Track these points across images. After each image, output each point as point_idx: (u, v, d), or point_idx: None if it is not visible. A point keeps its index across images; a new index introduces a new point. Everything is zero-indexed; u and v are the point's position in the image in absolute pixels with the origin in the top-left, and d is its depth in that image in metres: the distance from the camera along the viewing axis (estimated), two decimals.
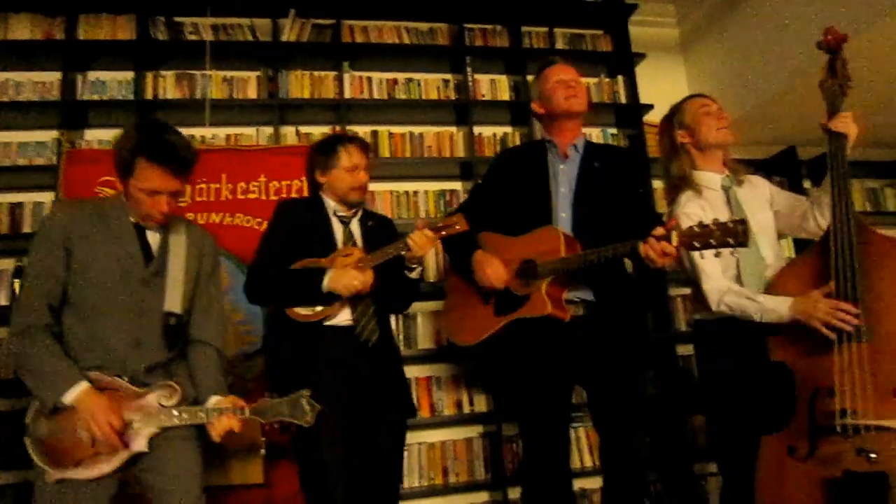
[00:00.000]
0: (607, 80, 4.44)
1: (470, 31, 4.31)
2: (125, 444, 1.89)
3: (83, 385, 1.86)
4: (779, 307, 2.10)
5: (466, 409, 3.72)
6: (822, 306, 2.00)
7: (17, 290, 3.30)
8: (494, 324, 2.41)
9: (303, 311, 2.36)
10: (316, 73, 4.06)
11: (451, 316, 2.70)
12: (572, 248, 2.27)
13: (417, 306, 3.55)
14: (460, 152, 4.12)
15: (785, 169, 4.42)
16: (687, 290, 3.86)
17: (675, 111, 2.51)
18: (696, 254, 2.10)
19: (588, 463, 3.66)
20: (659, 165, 2.74)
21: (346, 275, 2.30)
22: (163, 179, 1.93)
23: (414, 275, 2.45)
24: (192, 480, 1.99)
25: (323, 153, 2.51)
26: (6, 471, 3.09)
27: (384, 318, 2.50)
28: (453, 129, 4.19)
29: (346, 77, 4.05)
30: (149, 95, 3.83)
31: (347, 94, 4.01)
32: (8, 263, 3.49)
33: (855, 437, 1.90)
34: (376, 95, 4.11)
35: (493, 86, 4.28)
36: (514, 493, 3.43)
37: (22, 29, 3.75)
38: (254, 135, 3.92)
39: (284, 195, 3.38)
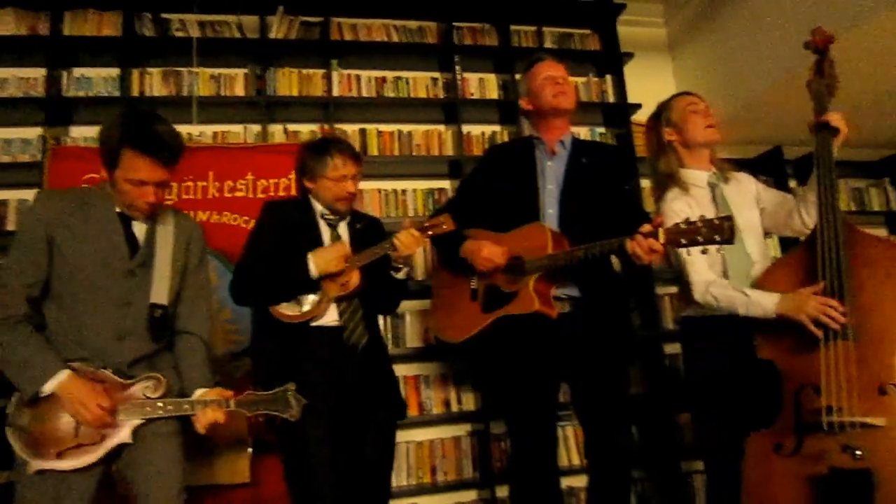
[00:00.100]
0: (595, 79, 4.45)
1: (459, 30, 4.31)
2: (114, 426, 1.88)
3: (65, 373, 1.85)
4: (766, 301, 2.11)
5: (455, 407, 3.72)
6: (813, 303, 2.01)
7: None
8: (482, 321, 2.41)
9: (288, 311, 2.33)
10: (304, 71, 4.04)
11: (438, 313, 2.70)
12: (560, 245, 2.28)
13: (406, 305, 3.54)
14: (449, 151, 4.11)
15: (771, 168, 4.45)
16: (674, 289, 3.88)
17: (663, 109, 2.52)
18: (682, 251, 2.11)
19: (576, 461, 3.66)
20: (647, 164, 2.75)
21: (328, 251, 2.30)
22: (150, 170, 1.91)
23: (400, 275, 2.44)
24: (172, 479, 1.97)
25: (311, 159, 2.46)
26: None
27: (372, 319, 2.48)
28: (442, 127, 4.18)
29: (335, 75, 4.03)
30: (135, 92, 3.79)
31: (336, 92, 4.00)
32: None
33: (840, 434, 1.91)
34: (365, 93, 4.10)
35: (481, 84, 4.28)
36: (503, 491, 3.43)
37: (6, 24, 3.70)
38: (241, 132, 3.90)
39: (272, 193, 3.36)
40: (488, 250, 2.37)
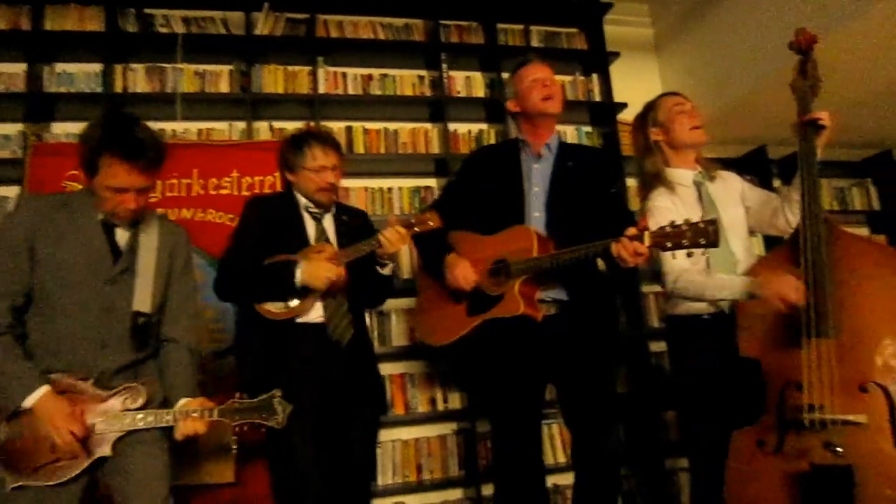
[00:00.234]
0: (582, 78, 4.46)
1: (445, 28, 4.30)
2: (88, 451, 1.84)
3: (43, 389, 1.81)
4: (736, 281, 2.15)
5: (440, 406, 3.71)
6: (780, 279, 2.04)
7: None
8: (467, 324, 2.40)
9: (273, 308, 2.32)
10: (290, 68, 4.01)
11: (423, 316, 2.69)
12: (545, 248, 2.27)
13: (392, 303, 3.54)
14: (435, 149, 4.10)
15: (755, 168, 4.48)
16: (659, 288, 3.89)
17: (650, 108, 2.53)
18: (667, 254, 2.12)
19: (561, 459, 3.67)
20: (633, 163, 2.76)
21: (320, 267, 2.27)
22: (129, 176, 1.86)
23: (386, 271, 2.43)
24: (159, 483, 1.93)
25: (290, 151, 2.45)
26: None
27: (358, 315, 2.47)
28: (428, 125, 4.17)
29: (321, 72, 4.01)
30: (118, 88, 3.74)
31: (322, 90, 3.98)
32: None
33: (822, 432, 1.93)
34: (351, 91, 4.08)
35: (468, 82, 4.28)
36: (488, 489, 3.43)
37: None
38: (226, 129, 3.87)
39: (257, 191, 3.34)
40: (461, 272, 2.37)
